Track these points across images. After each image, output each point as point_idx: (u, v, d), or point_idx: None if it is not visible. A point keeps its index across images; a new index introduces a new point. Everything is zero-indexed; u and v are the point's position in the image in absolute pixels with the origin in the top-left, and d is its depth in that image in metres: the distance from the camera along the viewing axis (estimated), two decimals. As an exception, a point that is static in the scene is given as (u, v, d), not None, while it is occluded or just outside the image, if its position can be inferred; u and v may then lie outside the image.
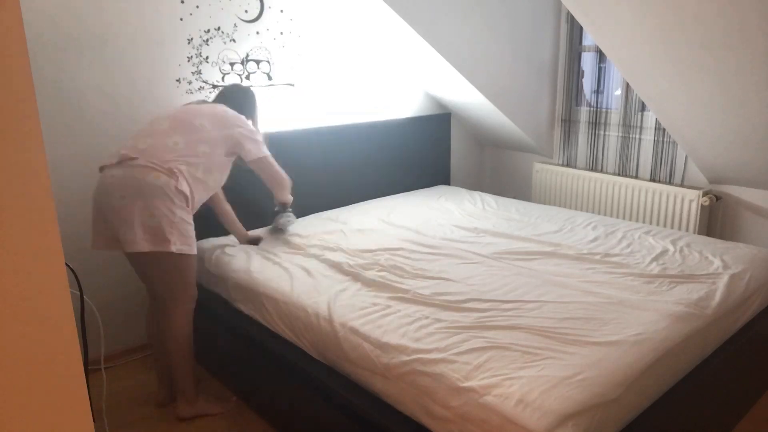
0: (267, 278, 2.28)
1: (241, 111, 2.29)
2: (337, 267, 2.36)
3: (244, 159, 2.24)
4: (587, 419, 1.43)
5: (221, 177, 2.21)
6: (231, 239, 2.71)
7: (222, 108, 2.20)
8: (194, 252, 2.06)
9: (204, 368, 2.67)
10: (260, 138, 2.29)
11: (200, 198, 2.13)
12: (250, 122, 2.33)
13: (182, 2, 2.65)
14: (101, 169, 2.06)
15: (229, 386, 2.50)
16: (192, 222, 2.07)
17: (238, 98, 2.36)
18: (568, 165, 3.79)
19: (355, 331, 1.84)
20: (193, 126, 2.07)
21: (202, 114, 2.12)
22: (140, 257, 2.00)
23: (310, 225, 2.92)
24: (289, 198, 2.56)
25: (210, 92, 2.81)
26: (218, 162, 2.13)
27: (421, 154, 3.79)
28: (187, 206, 2.03)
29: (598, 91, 3.58)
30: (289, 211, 2.68)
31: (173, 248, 1.96)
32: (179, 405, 2.25)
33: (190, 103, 2.30)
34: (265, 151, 2.29)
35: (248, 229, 2.72)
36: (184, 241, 2.00)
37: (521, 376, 1.53)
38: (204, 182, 2.09)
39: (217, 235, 2.76)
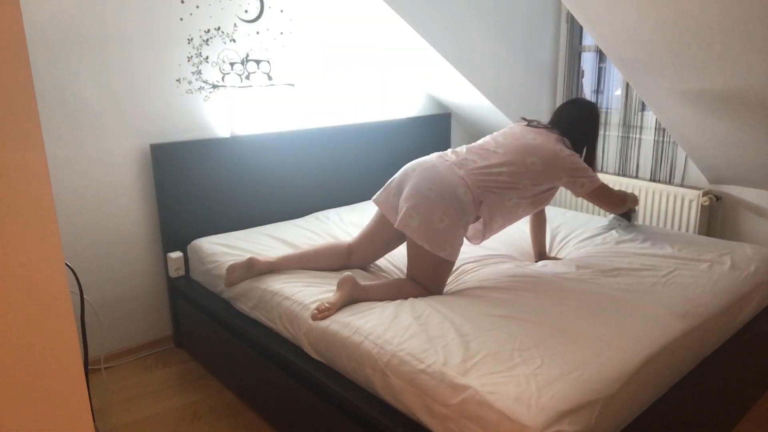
0: (271, 278, 2.29)
1: (583, 140, 2.32)
2: (337, 267, 2.35)
3: (579, 194, 2.28)
4: (584, 416, 1.43)
5: (532, 209, 2.26)
6: (228, 238, 2.71)
7: (560, 148, 2.21)
8: (455, 260, 2.14)
9: (203, 367, 2.68)
10: (590, 170, 2.26)
11: (500, 224, 2.22)
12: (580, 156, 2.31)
13: (182, 2, 2.65)
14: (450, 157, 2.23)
15: (229, 385, 2.50)
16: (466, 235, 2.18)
17: (582, 125, 2.33)
18: (568, 165, 3.78)
19: (356, 329, 1.85)
20: (525, 164, 2.15)
21: (536, 152, 2.18)
22: (408, 239, 2.11)
23: (311, 225, 2.92)
24: (625, 209, 2.60)
25: (210, 92, 2.81)
26: (535, 195, 2.19)
27: (422, 154, 3.78)
28: (473, 222, 2.16)
29: (598, 91, 3.58)
30: (625, 218, 2.72)
31: (443, 255, 2.06)
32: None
33: (530, 123, 2.35)
34: (599, 181, 2.27)
35: None
36: (454, 251, 2.09)
37: (518, 373, 1.53)
38: (512, 210, 2.18)
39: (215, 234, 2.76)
